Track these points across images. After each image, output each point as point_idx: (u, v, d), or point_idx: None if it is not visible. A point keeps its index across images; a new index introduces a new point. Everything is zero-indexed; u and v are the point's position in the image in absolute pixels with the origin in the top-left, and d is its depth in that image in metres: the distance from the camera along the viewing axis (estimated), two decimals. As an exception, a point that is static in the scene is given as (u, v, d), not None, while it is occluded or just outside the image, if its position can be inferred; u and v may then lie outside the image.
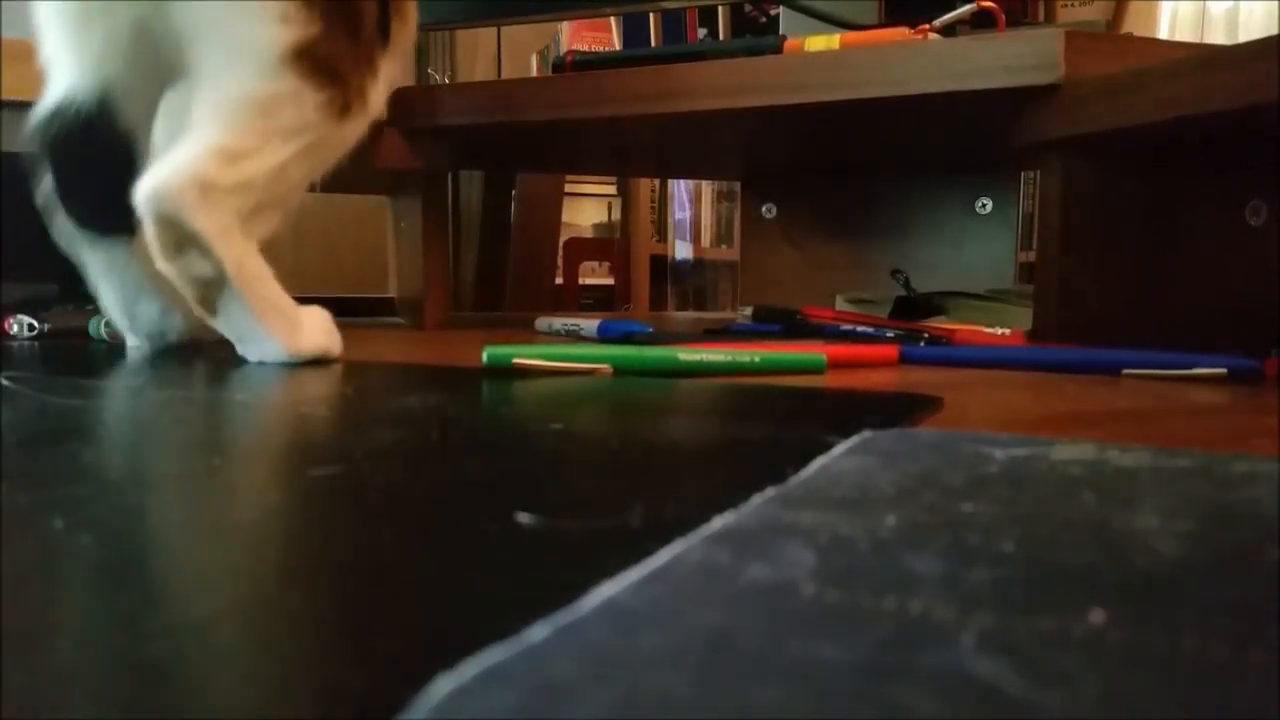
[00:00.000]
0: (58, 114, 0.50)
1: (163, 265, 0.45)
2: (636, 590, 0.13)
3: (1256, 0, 1.76)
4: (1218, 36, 1.81)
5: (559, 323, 0.65)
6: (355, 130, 0.51)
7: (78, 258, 0.53)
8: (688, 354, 0.43)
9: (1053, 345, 0.54)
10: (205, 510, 0.19)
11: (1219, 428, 0.31)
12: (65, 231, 0.52)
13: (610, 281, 1.93)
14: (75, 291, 0.72)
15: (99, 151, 0.50)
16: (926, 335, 0.55)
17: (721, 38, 0.83)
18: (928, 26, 0.61)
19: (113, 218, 0.50)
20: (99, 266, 0.53)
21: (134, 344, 0.54)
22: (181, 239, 0.44)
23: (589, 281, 1.92)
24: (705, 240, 2.09)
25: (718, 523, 0.16)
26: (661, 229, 2.05)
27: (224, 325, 0.47)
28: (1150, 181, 0.57)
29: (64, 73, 0.50)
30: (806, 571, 0.14)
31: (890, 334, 0.56)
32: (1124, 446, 0.23)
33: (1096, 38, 0.56)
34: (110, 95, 0.50)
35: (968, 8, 0.61)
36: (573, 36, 1.35)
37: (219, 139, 0.45)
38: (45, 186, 0.52)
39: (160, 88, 0.51)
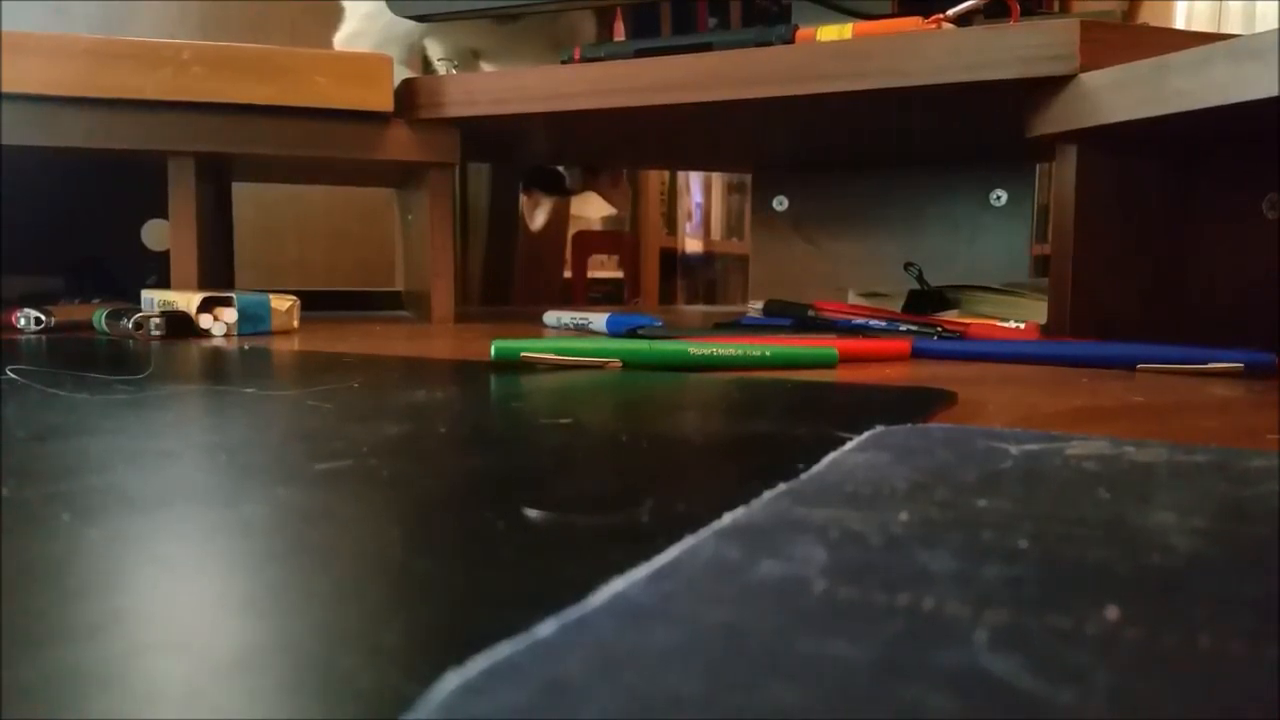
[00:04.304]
0: None
1: None
2: (646, 586, 0.13)
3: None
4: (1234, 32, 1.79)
5: (567, 316, 0.65)
6: None
7: None
8: (698, 348, 0.43)
9: (1067, 339, 0.54)
10: (210, 505, 0.19)
11: (1235, 423, 0.31)
12: None
13: (619, 275, 1.93)
14: (80, 284, 0.72)
15: None
16: (940, 329, 0.54)
17: (732, 28, 0.83)
18: (941, 16, 0.60)
19: None
20: None
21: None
22: None
23: (598, 275, 1.92)
24: (715, 233, 2.09)
25: (728, 518, 0.16)
26: (671, 222, 2.04)
27: None
28: (1166, 174, 0.57)
29: None
30: (818, 568, 0.14)
31: (903, 328, 0.56)
32: (1139, 442, 0.23)
33: (1113, 28, 0.55)
34: None
35: (981, -2, 0.61)
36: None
37: None
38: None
39: None
